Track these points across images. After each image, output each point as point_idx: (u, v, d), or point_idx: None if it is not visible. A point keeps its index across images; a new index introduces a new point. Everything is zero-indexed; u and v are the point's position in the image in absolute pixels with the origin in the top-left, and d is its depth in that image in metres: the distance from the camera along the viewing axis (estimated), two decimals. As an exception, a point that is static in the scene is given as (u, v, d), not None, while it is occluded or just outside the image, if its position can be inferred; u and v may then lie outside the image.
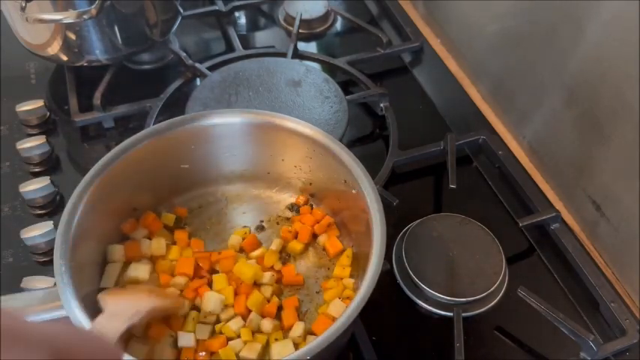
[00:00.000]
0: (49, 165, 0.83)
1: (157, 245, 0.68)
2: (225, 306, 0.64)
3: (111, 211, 0.67)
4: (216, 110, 0.73)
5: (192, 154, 0.71)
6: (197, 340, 0.61)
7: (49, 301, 0.55)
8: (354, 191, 0.64)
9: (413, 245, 0.72)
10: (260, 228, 0.72)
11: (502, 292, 0.70)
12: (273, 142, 0.71)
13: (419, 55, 1.01)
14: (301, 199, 0.74)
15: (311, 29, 1.06)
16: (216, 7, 1.05)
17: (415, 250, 0.72)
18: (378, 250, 0.57)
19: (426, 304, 0.69)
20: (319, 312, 0.64)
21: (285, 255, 0.70)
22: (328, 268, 0.69)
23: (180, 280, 0.65)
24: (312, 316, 0.65)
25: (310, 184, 0.73)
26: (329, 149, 0.66)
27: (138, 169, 0.67)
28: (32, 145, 0.82)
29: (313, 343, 0.52)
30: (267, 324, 0.62)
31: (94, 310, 0.56)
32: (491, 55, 0.91)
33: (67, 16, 0.79)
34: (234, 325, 0.62)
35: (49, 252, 0.72)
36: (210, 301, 0.63)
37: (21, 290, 0.68)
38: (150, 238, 0.69)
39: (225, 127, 0.70)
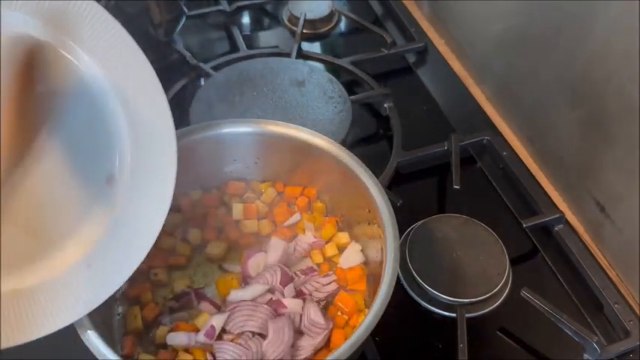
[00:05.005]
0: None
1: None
2: None
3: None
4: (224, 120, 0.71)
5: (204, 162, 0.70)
6: None
7: None
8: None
9: (416, 246, 0.72)
10: None
11: (505, 293, 0.70)
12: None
13: (423, 55, 1.01)
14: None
15: (315, 29, 1.06)
16: (221, 7, 1.05)
17: (418, 251, 0.72)
18: (387, 285, 0.56)
19: (429, 304, 0.69)
20: None
21: None
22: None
23: None
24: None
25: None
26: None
27: None
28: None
29: None
30: None
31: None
32: (496, 56, 0.91)
33: (72, 16, 0.79)
34: None
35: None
36: None
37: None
38: None
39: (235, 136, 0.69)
